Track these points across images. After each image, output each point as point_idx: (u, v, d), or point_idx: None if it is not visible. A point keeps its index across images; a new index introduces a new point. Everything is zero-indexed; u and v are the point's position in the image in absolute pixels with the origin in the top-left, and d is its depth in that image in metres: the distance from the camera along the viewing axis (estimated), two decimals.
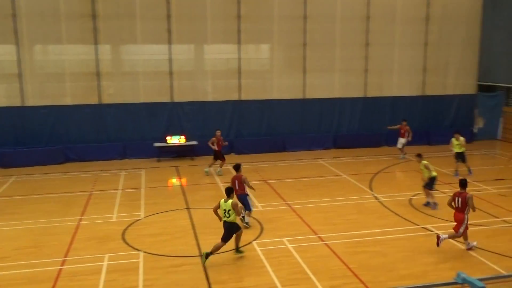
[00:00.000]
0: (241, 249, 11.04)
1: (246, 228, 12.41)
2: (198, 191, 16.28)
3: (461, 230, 11.05)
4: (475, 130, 24.79)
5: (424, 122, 23.85)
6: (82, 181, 17.61)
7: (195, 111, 21.85)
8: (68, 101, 20.67)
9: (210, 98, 22.07)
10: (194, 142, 21.15)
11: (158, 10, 20.78)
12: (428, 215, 13.59)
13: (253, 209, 13.26)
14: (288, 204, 14.65)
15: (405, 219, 13.32)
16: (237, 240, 10.88)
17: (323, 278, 9.82)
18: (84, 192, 16.15)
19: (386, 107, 23.76)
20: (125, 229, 12.70)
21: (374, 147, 23.01)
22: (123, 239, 12.07)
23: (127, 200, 15.33)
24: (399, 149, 20.61)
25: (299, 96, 22.84)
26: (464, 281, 4.12)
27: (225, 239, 10.61)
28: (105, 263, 10.68)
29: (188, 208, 14.45)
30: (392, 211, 13.96)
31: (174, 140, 20.87)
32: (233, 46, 21.89)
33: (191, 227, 12.86)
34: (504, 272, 9.72)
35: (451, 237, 11.16)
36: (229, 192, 10.75)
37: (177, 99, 21.66)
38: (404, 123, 20.69)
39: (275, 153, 21.93)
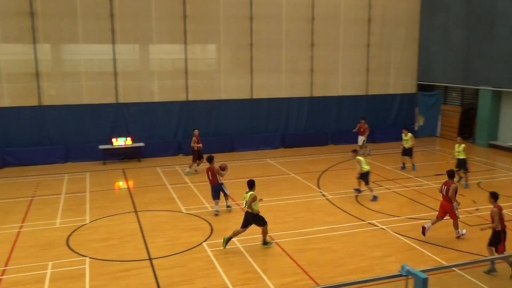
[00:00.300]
0: (268, 239, 11.46)
1: (216, 215, 13.58)
2: (146, 194, 15.97)
3: (457, 213, 11.78)
4: (416, 128, 25.83)
5: (368, 120, 24.56)
6: (22, 187, 16.82)
7: (142, 112, 21.43)
8: (5, 102, 19.71)
9: (156, 98, 21.72)
10: (141, 144, 20.75)
11: (100, 8, 20.21)
12: (374, 210, 14.00)
13: (229, 194, 14.19)
14: (238, 204, 14.65)
15: (352, 215, 13.65)
16: (264, 233, 11.38)
17: (274, 276, 9.90)
18: (25, 198, 15.43)
19: (331, 106, 24.30)
20: (70, 235, 12.26)
21: (321, 146, 23.48)
22: (68, 245, 11.64)
23: (71, 205, 14.80)
24: (360, 146, 21.28)
25: (247, 96, 22.94)
26: (408, 273, 4.27)
27: (245, 225, 11.34)
28: (49, 271, 10.25)
29: (136, 211, 14.14)
30: (340, 208, 14.28)
31: (120, 142, 20.37)
32: (180, 46, 21.65)
33: (139, 231, 12.59)
34: (445, 263, 10.17)
35: (434, 222, 11.85)
36: (250, 185, 11.49)
37: (122, 100, 21.16)
38: (363, 121, 21.47)
39: (224, 153, 21.87)
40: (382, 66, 25.13)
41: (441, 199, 11.97)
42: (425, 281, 4.22)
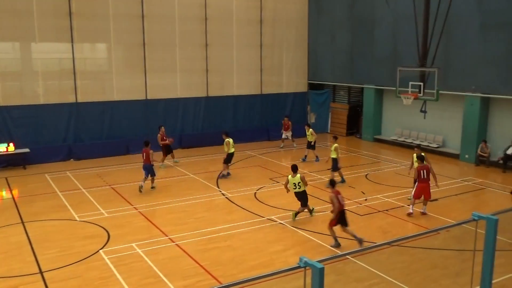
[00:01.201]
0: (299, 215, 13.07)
1: (140, 192, 15.50)
2: (33, 203, 14.84)
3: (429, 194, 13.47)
4: None
5: (264, 119, 25.24)
6: None
7: (25, 115, 19.86)
8: None
9: (42, 101, 20.28)
10: (26, 150, 19.26)
11: None
12: (272, 206, 14.37)
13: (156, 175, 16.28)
14: (136, 208, 14.22)
15: (252, 212, 13.90)
16: (302, 209, 13.12)
17: (176, 279, 9.75)
18: None
19: (228, 105, 24.55)
20: None
21: (219, 145, 23.50)
22: None
23: None
24: (283, 139, 22.79)
25: (141, 97, 22.31)
26: (306, 264, 4.44)
27: (304, 204, 13.06)
28: None
29: (22, 222, 13.09)
30: (239, 206, 14.46)
31: (1, 148, 18.74)
32: (66, 45, 20.40)
33: (28, 243, 11.67)
34: (339, 252, 10.75)
35: (425, 204, 13.50)
36: (295, 168, 13.00)
37: (2, 103, 19.47)
38: (286, 118, 22.79)
39: (119, 156, 21.11)
40: (275, 66, 25.92)
41: (420, 182, 13.44)
42: (321, 271, 4.42)
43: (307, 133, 20.16)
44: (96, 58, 21.88)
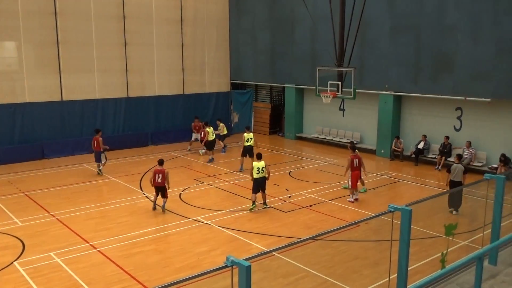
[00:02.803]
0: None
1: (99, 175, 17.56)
2: None
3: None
4: (232, 125, 27.12)
5: (187, 119, 24.91)
6: None
7: None
8: None
9: None
10: None
11: None
12: (197, 207, 14.27)
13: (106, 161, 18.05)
14: (54, 215, 13.49)
15: (177, 213, 13.70)
16: (265, 197, 14.13)
17: (98, 287, 9.37)
18: None
19: (149, 106, 24.01)
20: None
21: (140, 147, 23.04)
22: None
23: None
24: (192, 141, 22.38)
25: (56, 98, 21.19)
26: (233, 263, 4.46)
27: (263, 189, 13.91)
28: None
29: None
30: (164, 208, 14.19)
31: None
32: None
33: None
34: (265, 249, 10.90)
35: (355, 192, 14.76)
36: (260, 156, 14.13)
37: None
38: (196, 120, 22.39)
39: (33, 161, 19.94)
40: (197, 65, 25.74)
41: (352, 171, 14.71)
42: (248, 269, 4.46)
43: (219, 127, 21.40)
44: (4, 57, 20.36)
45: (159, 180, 13.64)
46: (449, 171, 13.64)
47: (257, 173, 13.77)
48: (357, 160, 14.85)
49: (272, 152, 22.42)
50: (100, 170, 17.96)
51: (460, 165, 13.53)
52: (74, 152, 21.37)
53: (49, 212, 13.73)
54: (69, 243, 11.59)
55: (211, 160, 20.09)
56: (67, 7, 20.97)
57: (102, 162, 18.03)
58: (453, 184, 13.46)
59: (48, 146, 20.81)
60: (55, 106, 21.18)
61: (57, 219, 13.27)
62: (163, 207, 13.79)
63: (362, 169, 15.08)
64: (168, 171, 13.81)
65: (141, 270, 10.16)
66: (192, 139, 22.41)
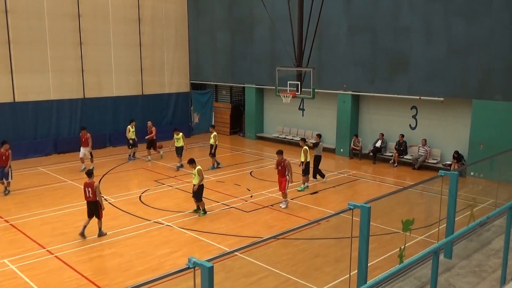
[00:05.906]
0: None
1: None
2: None
3: (287, 188, 14.30)
4: (192, 125, 26.92)
5: (146, 120, 24.49)
6: None
7: None
8: None
9: None
10: None
11: None
12: (158, 209, 14.08)
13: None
14: (7, 221, 12.99)
15: (137, 216, 13.47)
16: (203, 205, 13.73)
17: None
18: None
19: (107, 107, 23.47)
20: None
21: (99, 149, 22.44)
22: None
23: None
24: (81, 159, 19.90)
25: (8, 99, 20.39)
26: (195, 264, 4.43)
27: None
28: None
29: None
30: (124, 211, 13.93)
31: None
32: None
33: None
34: (227, 249, 10.87)
35: (284, 196, 14.33)
36: (192, 161, 13.74)
37: None
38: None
39: None
40: (156, 66, 25.37)
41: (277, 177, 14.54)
42: (210, 270, 4.43)
43: (177, 137, 18.96)
44: None
45: (90, 195, 11.76)
46: (313, 148, 16.86)
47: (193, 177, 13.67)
48: (282, 165, 14.34)
49: (233, 152, 22.40)
50: (6, 188, 15.53)
51: (321, 142, 17.50)
52: (27, 155, 20.63)
53: (2, 218, 13.21)
54: (25, 249, 11.19)
55: (179, 167, 18.88)
56: (19, 5, 20.22)
57: (9, 180, 15.53)
58: (317, 158, 17.01)
59: None
60: (6, 107, 20.38)
61: (11, 224, 12.79)
62: (99, 230, 11.94)
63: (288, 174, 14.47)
64: (97, 185, 11.89)
65: (101, 274, 9.93)
66: (81, 155, 18.83)
